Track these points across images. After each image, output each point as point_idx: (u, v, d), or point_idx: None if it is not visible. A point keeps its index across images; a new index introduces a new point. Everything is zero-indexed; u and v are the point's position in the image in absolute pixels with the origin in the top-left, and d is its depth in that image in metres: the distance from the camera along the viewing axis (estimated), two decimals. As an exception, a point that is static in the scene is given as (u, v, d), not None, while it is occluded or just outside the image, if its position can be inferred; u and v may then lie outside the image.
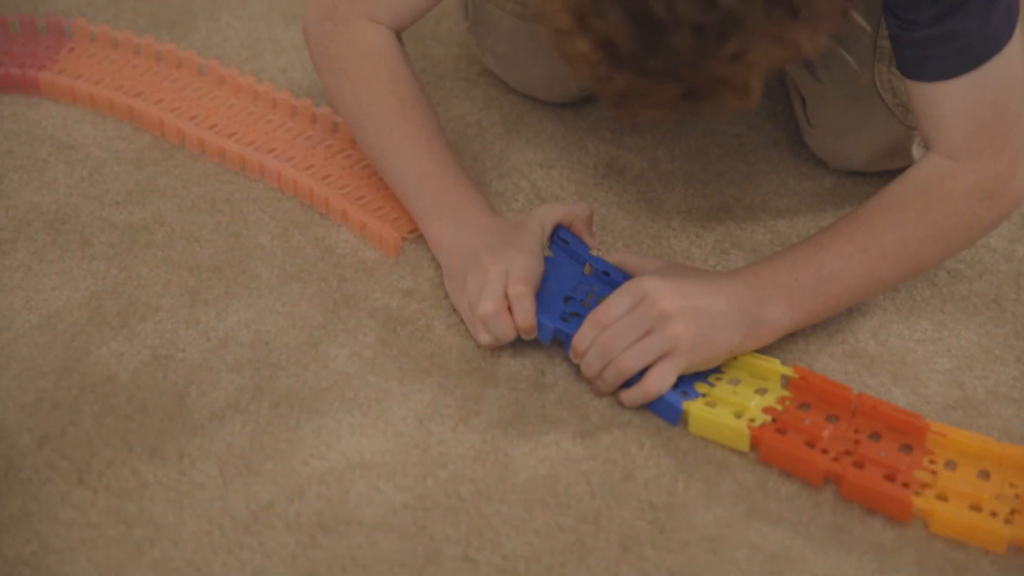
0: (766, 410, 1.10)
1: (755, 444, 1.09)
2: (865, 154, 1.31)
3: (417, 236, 1.25)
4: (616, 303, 1.11)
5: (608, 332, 1.10)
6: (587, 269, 1.19)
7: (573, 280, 1.17)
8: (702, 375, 1.12)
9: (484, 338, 1.14)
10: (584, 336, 1.11)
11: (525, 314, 1.12)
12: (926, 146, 1.15)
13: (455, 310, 1.19)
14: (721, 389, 1.12)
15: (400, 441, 1.09)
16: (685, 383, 1.12)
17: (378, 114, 1.23)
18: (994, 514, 1.03)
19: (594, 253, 1.19)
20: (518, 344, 1.16)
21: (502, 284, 1.13)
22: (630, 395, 1.11)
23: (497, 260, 1.14)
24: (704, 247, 1.27)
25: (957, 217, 1.13)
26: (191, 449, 1.08)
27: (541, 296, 1.15)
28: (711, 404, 1.11)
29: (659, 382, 1.09)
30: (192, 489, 1.06)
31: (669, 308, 1.09)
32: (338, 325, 1.18)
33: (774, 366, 1.13)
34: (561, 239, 1.19)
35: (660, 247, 1.27)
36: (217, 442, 1.09)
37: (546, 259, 1.18)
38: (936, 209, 1.12)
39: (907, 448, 1.08)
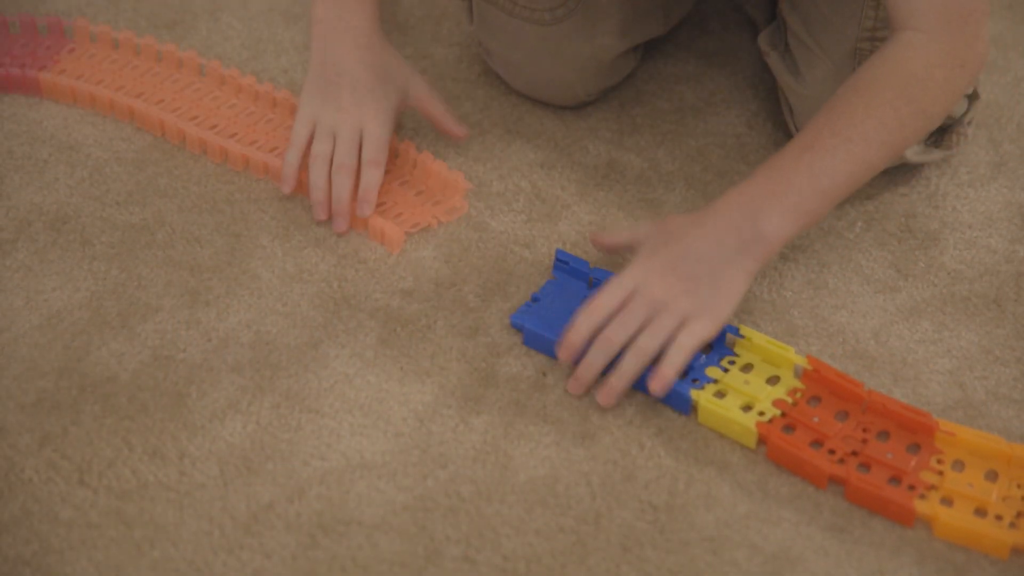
0: (776, 403, 1.10)
1: (762, 441, 1.09)
2: None
3: (419, 232, 1.25)
4: (608, 295, 1.10)
5: (609, 327, 1.09)
6: (590, 282, 1.19)
7: (579, 297, 1.18)
8: (715, 359, 1.12)
9: (289, 178, 1.26)
10: (579, 330, 1.10)
11: (369, 190, 1.24)
12: (894, 25, 1.15)
13: (455, 309, 1.19)
14: (733, 377, 1.11)
15: (400, 441, 1.09)
16: (697, 369, 1.12)
17: None
18: (999, 517, 1.03)
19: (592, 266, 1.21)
20: (518, 345, 1.16)
21: (355, 145, 1.25)
22: (670, 356, 1.08)
23: (356, 111, 1.25)
24: (704, 247, 1.27)
25: (935, 89, 1.14)
26: (191, 449, 1.08)
27: (551, 317, 1.16)
28: (722, 393, 1.11)
29: (689, 337, 1.08)
30: (192, 489, 1.06)
31: (664, 292, 1.09)
32: (338, 325, 1.18)
33: (788, 354, 1.12)
34: (561, 261, 1.20)
35: (660, 247, 1.27)
36: (217, 442, 1.09)
37: (551, 282, 1.20)
38: (914, 85, 1.13)
39: (915, 447, 1.08)
